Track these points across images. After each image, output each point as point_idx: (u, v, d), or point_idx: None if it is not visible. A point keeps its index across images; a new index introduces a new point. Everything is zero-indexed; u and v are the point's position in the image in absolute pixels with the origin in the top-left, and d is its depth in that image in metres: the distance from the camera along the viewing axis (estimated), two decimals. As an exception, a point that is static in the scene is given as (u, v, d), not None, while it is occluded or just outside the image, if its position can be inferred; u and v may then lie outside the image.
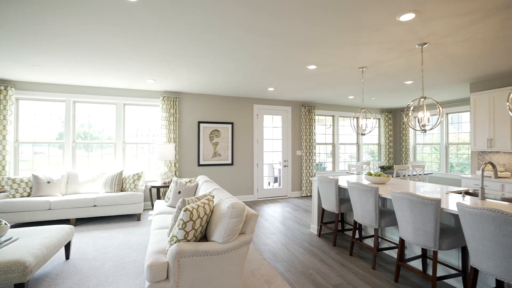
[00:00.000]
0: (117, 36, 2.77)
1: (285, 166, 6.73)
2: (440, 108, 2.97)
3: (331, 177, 3.57)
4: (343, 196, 3.94)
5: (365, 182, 3.68)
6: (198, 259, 1.97)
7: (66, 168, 4.96)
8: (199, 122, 5.81)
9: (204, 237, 2.31)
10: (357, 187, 3.03)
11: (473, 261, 1.95)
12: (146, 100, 5.42)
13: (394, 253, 3.21)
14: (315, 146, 6.94)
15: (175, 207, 3.65)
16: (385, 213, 2.99)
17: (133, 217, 4.73)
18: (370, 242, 3.57)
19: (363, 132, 4.09)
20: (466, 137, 6.54)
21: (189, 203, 2.31)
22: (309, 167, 6.82)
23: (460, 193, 2.91)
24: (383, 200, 3.43)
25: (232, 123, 6.13)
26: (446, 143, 6.86)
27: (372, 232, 3.60)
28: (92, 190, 4.67)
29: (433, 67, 3.86)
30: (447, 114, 6.87)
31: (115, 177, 4.59)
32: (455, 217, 2.61)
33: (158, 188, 4.82)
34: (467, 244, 1.99)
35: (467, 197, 2.65)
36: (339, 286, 2.52)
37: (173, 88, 5.27)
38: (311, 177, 6.83)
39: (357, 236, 3.78)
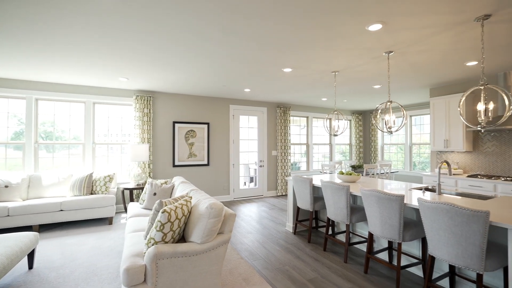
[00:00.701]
0: (88, 32, 2.65)
1: (261, 166, 6.83)
2: (404, 111, 3.22)
3: (305, 176, 3.71)
4: (317, 195, 4.10)
5: (337, 181, 3.88)
6: (177, 261, 1.96)
7: (27, 170, 4.61)
8: (174, 122, 5.70)
9: (182, 238, 2.30)
10: (330, 185, 3.19)
11: (431, 250, 2.17)
12: (118, 99, 5.21)
13: (363, 247, 3.42)
14: (290, 146, 7.12)
15: (150, 209, 3.56)
16: (356, 210, 3.18)
17: (105, 221, 4.52)
18: (342, 237, 3.77)
19: (336, 133, 4.30)
20: (427, 138, 7.11)
21: (166, 205, 2.29)
22: (284, 167, 6.99)
23: (421, 189, 3.19)
24: (354, 197, 3.64)
25: (208, 124, 6.09)
26: (410, 143, 7.40)
27: (344, 228, 3.80)
28: (58, 194, 4.39)
29: (398, 73, 4.16)
30: (410, 116, 7.42)
31: (85, 179, 4.36)
32: (416, 211, 2.86)
33: (131, 190, 4.66)
34: (426, 235, 2.20)
35: (427, 193, 2.91)
36: (314, 280, 2.64)
37: (147, 87, 5.12)
38: (286, 176, 7.00)
39: (330, 232, 3.97)
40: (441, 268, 2.60)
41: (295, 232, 4.03)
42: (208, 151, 6.09)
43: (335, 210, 3.18)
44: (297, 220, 3.96)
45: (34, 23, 2.47)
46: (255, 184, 6.86)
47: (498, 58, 3.49)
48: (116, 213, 5.10)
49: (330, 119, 8.04)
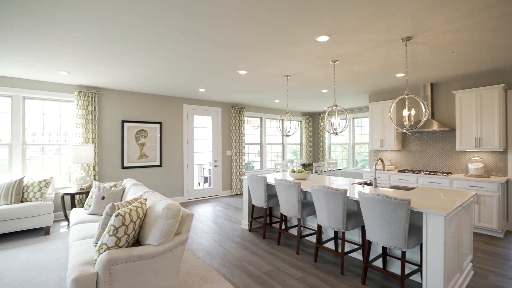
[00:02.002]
0: (25, 20, 2.36)
1: (215, 166, 6.83)
2: (347, 114, 3.61)
3: (259, 175, 3.87)
4: (270, 192, 4.31)
5: (290, 178, 4.13)
6: (132, 265, 1.90)
7: None
8: (123, 121, 5.35)
9: (137, 241, 2.23)
10: (283, 183, 3.40)
11: (368, 236, 2.50)
12: (56, 94, 4.67)
13: (313, 238, 3.73)
14: (244, 146, 7.27)
15: (98, 215, 3.31)
16: (306, 205, 3.45)
17: (40, 232, 4.02)
18: (294, 231, 4.03)
19: (288, 134, 4.57)
20: (367, 138, 7.98)
21: (119, 208, 2.19)
22: (239, 167, 7.11)
23: (361, 184, 3.61)
24: (305, 193, 3.93)
25: (160, 123, 5.86)
26: (353, 143, 8.21)
27: (296, 222, 4.07)
28: (-22, 203, 3.76)
29: (342, 80, 4.61)
30: (353, 118, 8.23)
31: (12, 186, 3.82)
32: (357, 202, 3.24)
33: (73, 195, 4.23)
34: (364, 223, 2.53)
35: (366, 187, 3.32)
36: (269, 273, 2.80)
37: (91, 83, 4.70)
38: (241, 176, 7.13)
39: (283, 227, 4.21)
40: (376, 251, 3.00)
41: (250, 229, 4.17)
42: (161, 151, 5.87)
43: (288, 206, 3.40)
44: (252, 218, 4.10)
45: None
46: (210, 184, 6.83)
47: (419, 72, 4.14)
48: (55, 221, 4.58)
49: (282, 120, 8.37)
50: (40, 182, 4.02)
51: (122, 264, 1.86)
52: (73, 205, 4.28)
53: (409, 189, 3.25)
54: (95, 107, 4.89)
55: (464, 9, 2.20)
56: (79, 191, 4.28)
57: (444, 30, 2.60)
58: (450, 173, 4.62)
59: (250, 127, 7.84)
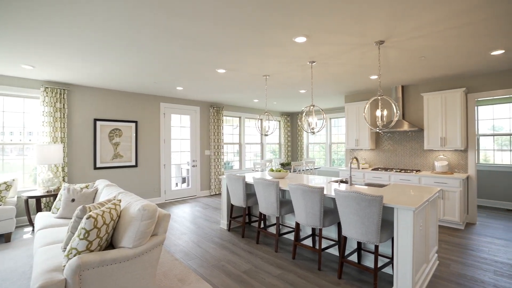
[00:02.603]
0: (-20, 7, 2.17)
1: (193, 166, 6.71)
2: (324, 114, 3.71)
3: (238, 174, 3.86)
4: (249, 191, 4.31)
5: (268, 177, 4.16)
6: (105, 269, 1.82)
7: None
8: (96, 120, 5.09)
9: (110, 245, 2.13)
10: (262, 182, 3.42)
11: (344, 231, 2.59)
12: (19, 90, 4.34)
13: (292, 236, 3.78)
14: (223, 146, 7.22)
15: (67, 218, 3.13)
16: (285, 203, 3.49)
17: None
18: (273, 229, 4.07)
19: (266, 133, 4.59)
20: (343, 138, 8.24)
21: (91, 210, 2.08)
22: (218, 166, 7.05)
23: (337, 182, 3.73)
24: (283, 192, 3.98)
25: (136, 122, 5.66)
26: (330, 143, 8.44)
27: (274, 221, 4.11)
28: None
29: (320, 80, 4.73)
30: (330, 118, 8.46)
31: (-31, 189, 3.49)
32: (333, 200, 3.33)
33: (38, 198, 3.95)
34: (340, 219, 2.61)
35: (342, 185, 3.43)
36: (248, 271, 2.80)
37: (60, 78, 4.42)
38: (220, 175, 7.07)
39: (262, 226, 4.23)
40: (351, 246, 3.11)
41: (229, 229, 4.14)
42: (136, 151, 5.66)
43: (267, 205, 3.43)
44: (231, 217, 4.08)
45: None
46: (188, 185, 6.70)
47: (391, 75, 4.35)
48: (17, 227, 4.25)
49: (261, 119, 8.44)
50: None
51: (94, 269, 1.77)
52: (39, 209, 4.00)
53: (382, 186, 3.40)
54: (64, 104, 4.60)
55: (430, 17, 2.35)
56: (45, 193, 4.00)
57: (413, 36, 2.75)
58: (419, 170, 4.90)
59: (229, 126, 7.80)
